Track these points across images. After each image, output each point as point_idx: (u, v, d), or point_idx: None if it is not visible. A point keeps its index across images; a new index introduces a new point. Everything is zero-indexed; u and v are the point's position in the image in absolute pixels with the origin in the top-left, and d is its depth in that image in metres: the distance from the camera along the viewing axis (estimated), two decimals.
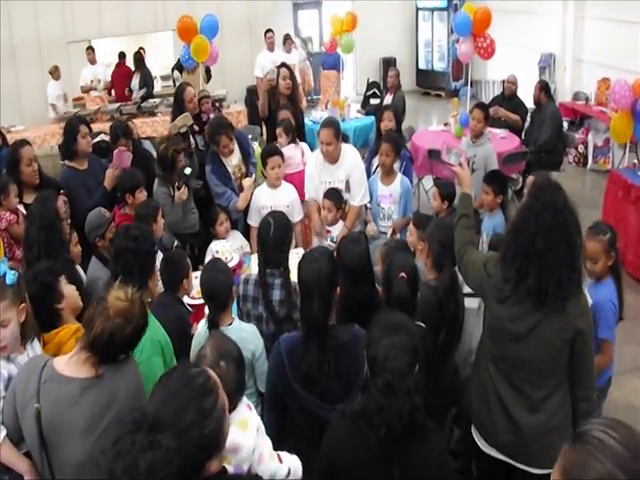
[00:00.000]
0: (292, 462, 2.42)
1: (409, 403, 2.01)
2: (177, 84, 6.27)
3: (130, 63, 11.13)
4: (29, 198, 4.22)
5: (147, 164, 5.21)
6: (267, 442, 2.40)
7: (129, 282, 2.80)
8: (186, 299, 3.65)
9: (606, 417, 1.55)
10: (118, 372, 2.18)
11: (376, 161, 5.33)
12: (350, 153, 4.98)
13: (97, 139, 5.88)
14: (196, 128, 5.74)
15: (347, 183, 4.89)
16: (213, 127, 5.25)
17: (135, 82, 10.61)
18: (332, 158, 4.85)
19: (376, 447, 2.05)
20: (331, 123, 4.92)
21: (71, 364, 2.16)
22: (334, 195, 4.73)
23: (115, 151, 4.86)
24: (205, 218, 4.99)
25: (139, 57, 10.81)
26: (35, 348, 2.74)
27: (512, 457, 2.73)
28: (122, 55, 11.31)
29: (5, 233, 3.98)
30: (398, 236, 4.84)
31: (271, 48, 10.45)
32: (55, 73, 10.52)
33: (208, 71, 8.65)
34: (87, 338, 2.15)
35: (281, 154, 4.89)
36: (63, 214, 3.69)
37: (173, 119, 5.92)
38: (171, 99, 9.80)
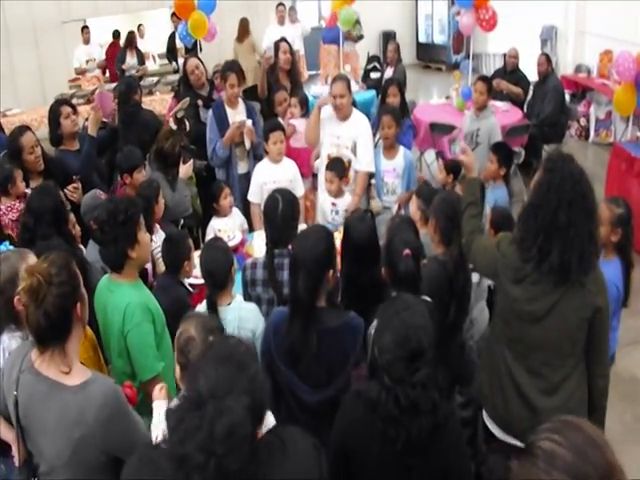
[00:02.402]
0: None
1: (433, 418, 1.95)
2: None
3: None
4: (35, 184, 4.13)
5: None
6: None
7: (106, 255, 2.83)
8: (190, 279, 3.62)
9: (554, 420, 1.49)
10: (88, 390, 2.08)
11: (377, 135, 5.29)
12: (360, 117, 4.97)
13: None
14: (200, 103, 5.64)
15: (354, 144, 4.85)
16: (226, 64, 5.37)
17: (133, 61, 10.51)
18: (344, 113, 4.83)
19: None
20: (343, 77, 5.00)
21: (42, 360, 2.12)
22: (336, 166, 4.69)
23: (96, 93, 4.77)
24: (205, 197, 4.95)
25: (132, 37, 10.70)
26: None
27: (525, 440, 2.68)
28: (116, 34, 11.18)
29: (16, 223, 3.89)
30: (402, 211, 4.81)
31: (281, 22, 10.31)
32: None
33: (200, 47, 8.52)
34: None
35: (283, 129, 4.83)
36: (65, 204, 3.63)
37: (178, 92, 5.97)
38: (169, 77, 9.84)
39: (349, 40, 10.75)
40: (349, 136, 4.84)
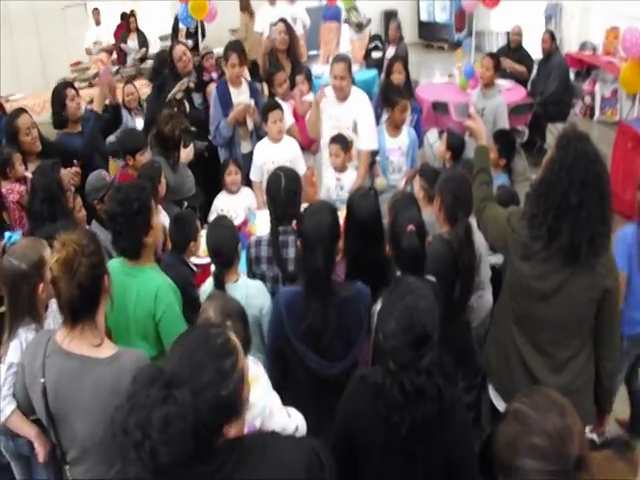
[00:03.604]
0: (299, 419, 2.40)
1: (438, 404, 1.93)
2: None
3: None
4: (33, 166, 4.09)
5: None
6: (275, 396, 2.39)
7: (122, 244, 2.79)
8: (193, 258, 3.62)
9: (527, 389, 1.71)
10: (122, 360, 2.10)
11: (384, 115, 5.29)
12: (359, 95, 4.93)
13: None
14: (192, 85, 5.65)
15: (354, 123, 4.83)
16: (229, 43, 5.36)
17: (134, 44, 10.44)
18: (343, 94, 4.80)
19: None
20: (344, 58, 4.94)
21: (71, 338, 2.12)
22: (339, 139, 4.67)
23: (102, 70, 4.80)
24: (205, 178, 4.98)
25: (128, 20, 10.63)
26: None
27: None
28: (124, 16, 11.10)
29: (16, 205, 3.91)
30: (409, 188, 4.80)
31: (272, 2, 10.08)
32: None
33: (203, 29, 8.45)
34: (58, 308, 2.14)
35: (281, 108, 4.80)
36: (67, 184, 3.61)
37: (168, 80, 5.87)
38: None
39: (350, 27, 10.46)
40: (349, 116, 4.81)
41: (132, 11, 11.18)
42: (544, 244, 2.49)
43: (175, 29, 10.65)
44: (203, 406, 1.42)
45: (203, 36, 8.09)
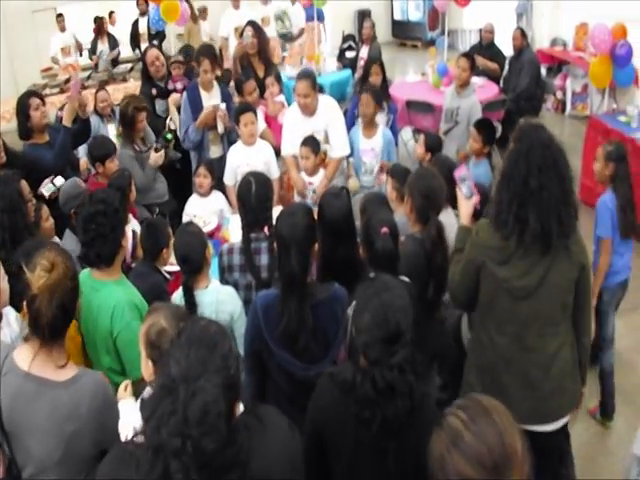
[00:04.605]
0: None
1: (409, 401, 1.92)
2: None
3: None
4: None
5: None
6: None
7: (103, 248, 2.74)
8: (167, 267, 3.59)
9: (469, 397, 1.58)
10: (80, 383, 2.08)
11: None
12: (327, 103, 4.90)
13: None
14: (154, 92, 5.63)
15: (326, 134, 4.83)
16: (201, 48, 5.41)
17: (104, 47, 10.37)
18: (310, 110, 4.77)
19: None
20: (307, 74, 4.85)
21: (34, 358, 2.09)
22: (310, 141, 4.65)
23: (71, 82, 4.77)
24: (176, 185, 4.99)
25: (101, 23, 10.55)
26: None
27: (529, 422, 2.59)
28: (97, 20, 11.02)
29: None
30: (383, 179, 4.82)
31: (236, 5, 9.83)
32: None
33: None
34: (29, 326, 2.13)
35: (254, 111, 4.78)
36: (28, 194, 3.52)
37: (142, 83, 5.90)
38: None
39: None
40: (319, 128, 4.80)
41: (111, 12, 11.10)
42: (517, 240, 2.53)
43: (133, 35, 10.61)
44: (222, 389, 1.47)
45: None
